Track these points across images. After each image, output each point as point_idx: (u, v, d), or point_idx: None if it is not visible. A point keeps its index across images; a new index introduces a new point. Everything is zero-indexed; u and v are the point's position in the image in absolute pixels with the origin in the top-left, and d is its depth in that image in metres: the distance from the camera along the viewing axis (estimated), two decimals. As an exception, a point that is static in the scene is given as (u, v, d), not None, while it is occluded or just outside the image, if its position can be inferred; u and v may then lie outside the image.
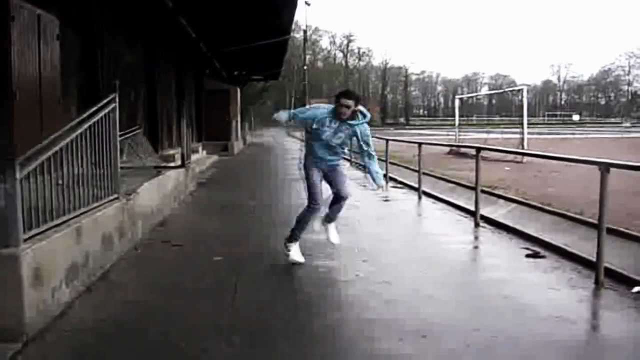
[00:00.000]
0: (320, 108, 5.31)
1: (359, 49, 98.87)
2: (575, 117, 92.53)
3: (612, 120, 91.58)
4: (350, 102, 5.03)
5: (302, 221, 5.32)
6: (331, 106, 5.20)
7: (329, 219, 5.51)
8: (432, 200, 9.64)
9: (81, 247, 4.32)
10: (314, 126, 5.11)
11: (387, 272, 5.00)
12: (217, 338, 3.49)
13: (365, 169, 5.54)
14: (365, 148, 5.22)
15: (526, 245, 5.99)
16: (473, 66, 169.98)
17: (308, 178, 5.26)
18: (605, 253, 4.51)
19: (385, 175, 12.70)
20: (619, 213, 6.72)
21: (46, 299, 3.65)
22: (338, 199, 5.39)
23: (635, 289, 4.39)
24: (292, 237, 5.33)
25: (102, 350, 3.35)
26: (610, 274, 4.62)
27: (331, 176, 5.33)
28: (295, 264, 5.21)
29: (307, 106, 5.37)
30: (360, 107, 5.13)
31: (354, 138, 5.20)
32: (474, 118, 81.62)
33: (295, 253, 5.30)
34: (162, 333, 3.59)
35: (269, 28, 15.76)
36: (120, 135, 6.37)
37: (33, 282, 3.47)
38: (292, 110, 5.60)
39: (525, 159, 16.13)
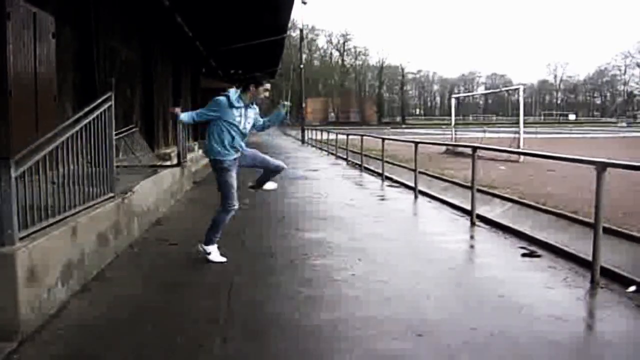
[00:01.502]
0: (221, 98, 5.14)
1: (355, 47, 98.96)
2: (572, 117, 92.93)
3: (608, 119, 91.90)
4: (268, 86, 5.28)
5: (218, 223, 5.19)
6: (232, 92, 5.14)
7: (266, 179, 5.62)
8: (428, 199, 9.65)
9: (77, 245, 4.31)
10: (226, 117, 5.08)
11: (383, 270, 5.00)
12: (213, 335, 3.49)
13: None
14: (260, 125, 5.48)
15: (522, 244, 6.00)
16: (470, 65, 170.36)
17: (225, 178, 5.12)
18: (601, 252, 4.52)
19: (381, 174, 12.76)
20: (615, 212, 6.75)
21: (42, 298, 3.64)
22: (272, 172, 5.54)
23: (631, 288, 4.40)
24: (210, 240, 5.22)
25: (98, 348, 3.34)
26: (606, 273, 4.63)
27: (249, 161, 5.36)
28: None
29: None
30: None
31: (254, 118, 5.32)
32: (471, 117, 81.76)
33: (215, 255, 5.21)
34: (158, 330, 3.59)
35: (266, 27, 15.76)
36: (117, 134, 6.37)
37: (28, 280, 3.46)
38: (193, 114, 5.43)
39: (522, 158, 16.18)
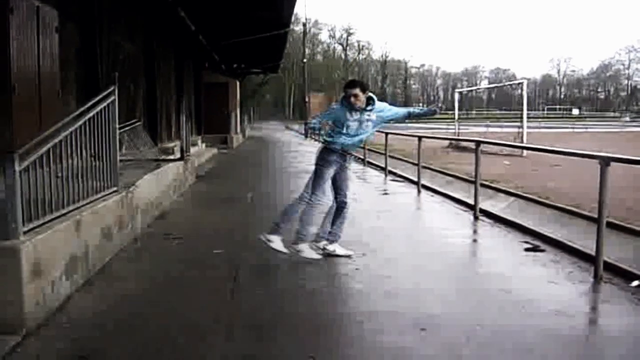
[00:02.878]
0: (335, 106, 5.31)
1: (358, 42, 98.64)
2: (575, 111, 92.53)
3: (612, 114, 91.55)
4: (356, 90, 5.06)
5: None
6: (337, 103, 5.27)
7: (335, 236, 5.29)
8: (431, 193, 9.64)
9: (81, 239, 4.32)
10: (339, 123, 5.09)
11: (387, 265, 5.00)
12: (217, 332, 3.49)
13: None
14: (403, 113, 5.66)
15: (525, 238, 5.99)
16: (473, 60, 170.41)
17: (324, 171, 5.09)
18: (604, 247, 4.52)
19: (384, 169, 12.74)
20: (618, 207, 6.74)
21: (46, 292, 3.65)
22: (340, 207, 5.29)
23: (634, 282, 4.40)
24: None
25: (102, 343, 3.35)
26: (610, 267, 4.63)
27: (341, 176, 5.23)
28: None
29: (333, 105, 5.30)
30: (369, 93, 5.15)
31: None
32: (474, 112, 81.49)
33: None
34: (162, 326, 3.59)
35: (269, 21, 15.70)
36: (120, 128, 6.36)
37: (33, 274, 3.47)
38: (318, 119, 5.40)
39: (525, 152, 16.15)
